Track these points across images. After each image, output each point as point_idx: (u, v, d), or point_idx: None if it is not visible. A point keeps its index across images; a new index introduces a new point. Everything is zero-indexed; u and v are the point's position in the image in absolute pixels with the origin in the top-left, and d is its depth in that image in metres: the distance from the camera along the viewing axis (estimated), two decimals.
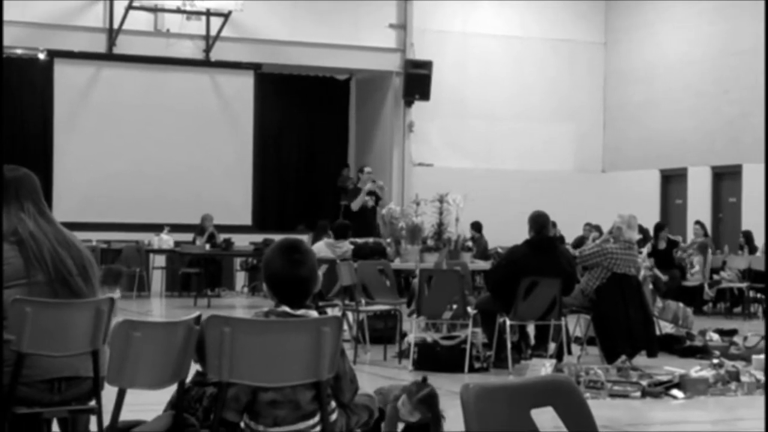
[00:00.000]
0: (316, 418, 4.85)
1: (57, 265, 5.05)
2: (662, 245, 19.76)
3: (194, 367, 5.06)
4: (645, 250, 20.08)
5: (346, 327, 12.62)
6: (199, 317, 5.00)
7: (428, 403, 6.80)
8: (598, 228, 20.52)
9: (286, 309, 4.91)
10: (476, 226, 21.61)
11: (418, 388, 6.83)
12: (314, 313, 4.96)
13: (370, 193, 18.09)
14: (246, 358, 4.80)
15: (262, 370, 4.83)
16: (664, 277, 18.80)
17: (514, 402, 3.12)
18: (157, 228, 21.50)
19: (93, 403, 5.20)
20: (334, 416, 4.98)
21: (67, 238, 5.17)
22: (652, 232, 20.50)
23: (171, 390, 5.10)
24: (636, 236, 12.59)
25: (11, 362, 4.86)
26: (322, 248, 14.10)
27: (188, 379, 5.11)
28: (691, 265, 19.53)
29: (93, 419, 5.31)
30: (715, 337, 13.09)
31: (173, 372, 4.98)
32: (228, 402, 4.80)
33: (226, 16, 22.02)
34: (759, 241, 20.07)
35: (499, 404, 3.10)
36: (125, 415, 4.82)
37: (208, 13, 22.18)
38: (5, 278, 4.93)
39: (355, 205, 18.03)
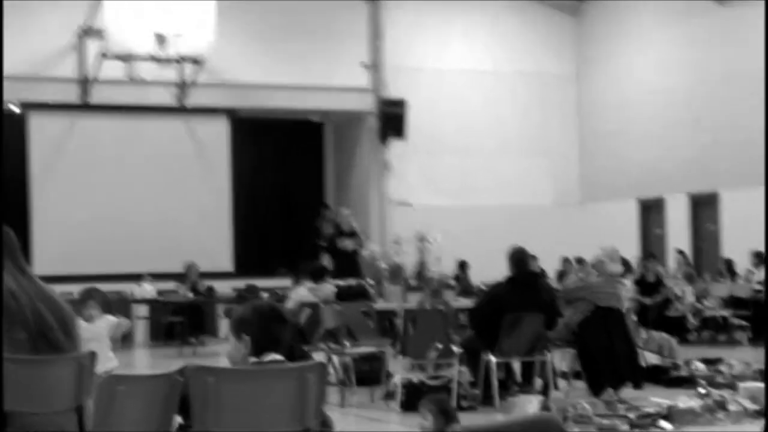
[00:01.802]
0: None
1: (37, 321, 5.00)
2: (651, 278, 19.68)
3: (179, 420, 5.03)
4: (629, 280, 20.12)
5: (331, 370, 12.56)
6: (183, 368, 4.97)
7: (436, 402, 6.93)
8: (580, 261, 20.52)
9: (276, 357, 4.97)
10: (462, 265, 21.61)
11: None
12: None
13: (351, 234, 18.05)
14: (231, 407, 4.77)
15: (248, 419, 4.81)
16: (648, 301, 18.88)
17: None
18: (137, 277, 21.40)
19: None
20: None
21: (46, 293, 5.12)
22: (639, 262, 20.55)
23: None
24: (619, 269, 12.62)
25: None
26: (304, 293, 14.04)
27: None
28: (681, 294, 19.51)
29: None
30: (701, 366, 13.07)
31: (158, 425, 4.94)
32: None
33: (199, 62, 22.02)
34: (739, 267, 20.10)
35: None
36: None
37: (181, 60, 22.17)
38: None
39: (324, 260, 17.95)
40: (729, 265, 20.33)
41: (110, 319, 9.47)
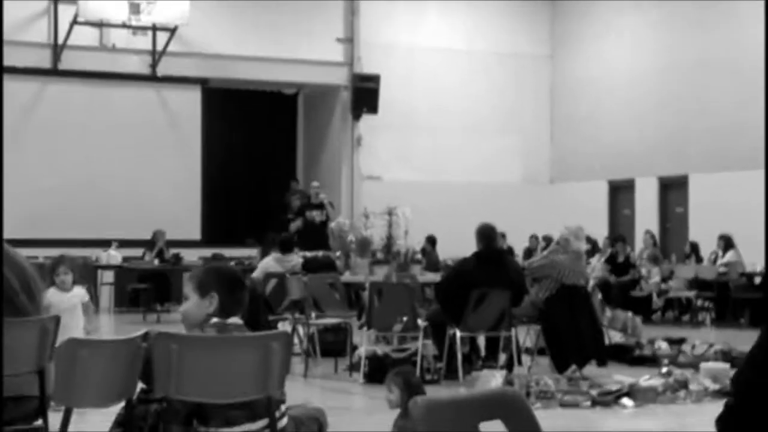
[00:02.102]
0: (266, 420, 4.84)
1: (2, 284, 4.99)
2: (621, 258, 19.91)
3: (140, 385, 5.03)
4: (600, 257, 20.26)
5: (296, 341, 12.59)
6: (146, 334, 4.97)
7: (401, 375, 6.95)
8: (547, 239, 20.64)
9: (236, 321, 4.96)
10: (430, 240, 21.65)
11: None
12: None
13: (319, 206, 18.06)
14: (194, 374, 4.77)
15: (211, 387, 4.81)
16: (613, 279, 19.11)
17: (463, 416, 3.12)
18: (105, 244, 21.34)
19: (39, 422, 5.14)
20: (284, 421, 4.98)
21: (10, 256, 5.12)
22: (609, 243, 20.70)
23: (117, 409, 5.05)
24: (584, 246, 12.67)
25: None
26: (270, 263, 14.06)
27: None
28: (648, 275, 19.66)
29: None
30: (664, 345, 13.17)
31: (120, 390, 4.95)
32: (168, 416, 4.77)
33: (173, 31, 21.93)
34: (704, 250, 20.24)
35: (447, 418, 3.10)
36: None
37: (154, 28, 22.08)
38: None
39: (293, 227, 17.95)
40: (694, 247, 20.47)
41: (84, 293, 9.44)
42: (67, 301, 9.00)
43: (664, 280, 19.69)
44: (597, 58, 25.17)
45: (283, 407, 5.01)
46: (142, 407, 5.05)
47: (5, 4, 21.00)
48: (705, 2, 22.22)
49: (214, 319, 4.95)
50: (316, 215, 17.93)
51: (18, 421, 5.07)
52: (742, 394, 2.73)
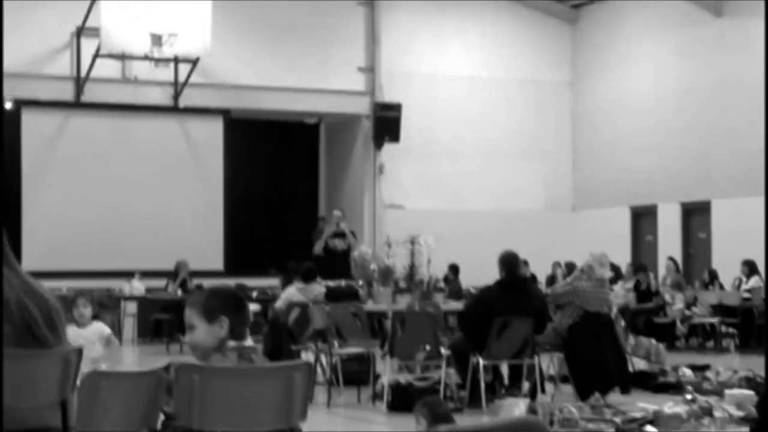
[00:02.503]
0: None
1: (23, 315, 5.00)
2: (644, 286, 19.82)
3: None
4: (624, 284, 20.18)
5: (319, 370, 12.57)
6: (168, 365, 4.97)
7: (428, 405, 6.92)
8: (569, 266, 20.58)
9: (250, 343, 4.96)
10: (453, 268, 21.64)
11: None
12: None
13: (341, 235, 18.04)
14: (216, 405, 4.77)
15: (233, 417, 4.81)
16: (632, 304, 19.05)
17: None
18: (127, 275, 21.42)
19: None
20: None
21: (33, 288, 5.13)
22: (632, 271, 20.61)
23: None
24: (608, 274, 12.63)
25: None
26: (293, 293, 14.05)
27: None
28: (671, 301, 19.56)
29: None
30: (688, 372, 13.10)
31: (142, 422, 4.95)
32: None
33: (194, 62, 22.04)
34: (727, 276, 20.14)
35: None
36: None
37: (176, 60, 22.19)
38: None
39: (317, 248, 17.94)
40: (713, 275, 20.41)
41: (104, 328, 9.39)
42: (83, 337, 8.95)
43: (688, 306, 19.59)
44: (618, 84, 25.16)
45: None
46: None
47: (29, 37, 21.20)
48: (726, 26, 22.23)
49: (232, 343, 4.93)
50: (338, 243, 17.91)
51: None
52: (766, 422, 2.73)
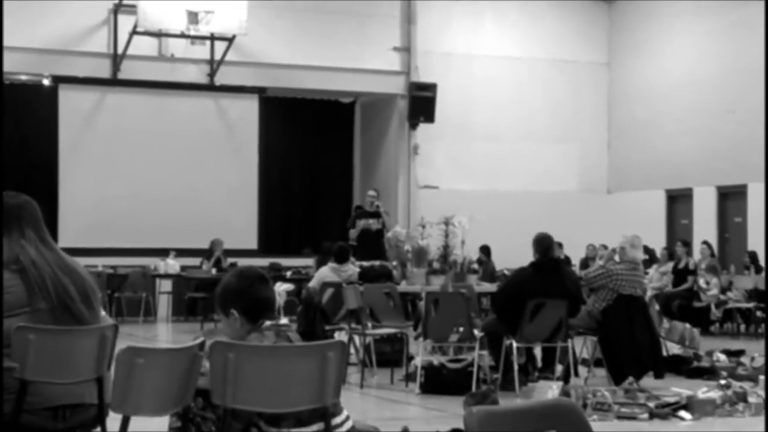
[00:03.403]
0: (343, 416, 4.99)
1: (59, 292, 5.04)
2: (682, 264, 19.75)
3: None
4: (658, 267, 20.09)
5: (352, 350, 12.60)
6: (203, 343, 5.00)
7: (476, 398, 6.93)
8: (604, 248, 20.50)
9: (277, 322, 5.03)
10: (485, 250, 21.61)
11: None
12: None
13: (375, 215, 18.02)
14: (250, 383, 4.79)
15: (267, 396, 4.83)
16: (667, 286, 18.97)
17: (518, 427, 3.11)
18: (162, 253, 21.53)
19: (98, 430, 5.18)
20: (349, 424, 5.01)
21: (68, 264, 5.16)
22: (667, 255, 20.50)
23: None
24: (641, 256, 12.57)
25: (14, 390, 4.84)
26: (327, 273, 14.07)
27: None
28: (706, 286, 19.46)
29: None
30: (723, 357, 13.04)
31: (177, 398, 4.98)
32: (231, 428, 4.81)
33: (231, 40, 22.06)
34: (763, 260, 20.02)
35: (503, 429, 3.09)
36: None
37: (213, 38, 22.23)
38: (8, 307, 4.91)
39: (353, 236, 17.90)
40: (753, 257, 20.26)
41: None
42: None
43: (723, 291, 19.49)
44: (655, 66, 24.99)
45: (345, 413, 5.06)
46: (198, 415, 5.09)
47: (66, 14, 21.28)
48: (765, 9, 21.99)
49: (267, 322, 4.98)
50: (372, 223, 17.89)
51: (77, 429, 5.11)
52: None
